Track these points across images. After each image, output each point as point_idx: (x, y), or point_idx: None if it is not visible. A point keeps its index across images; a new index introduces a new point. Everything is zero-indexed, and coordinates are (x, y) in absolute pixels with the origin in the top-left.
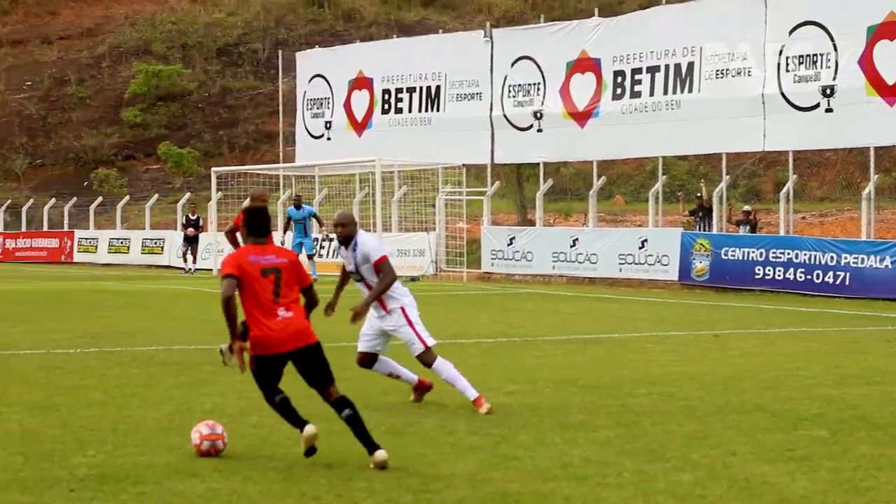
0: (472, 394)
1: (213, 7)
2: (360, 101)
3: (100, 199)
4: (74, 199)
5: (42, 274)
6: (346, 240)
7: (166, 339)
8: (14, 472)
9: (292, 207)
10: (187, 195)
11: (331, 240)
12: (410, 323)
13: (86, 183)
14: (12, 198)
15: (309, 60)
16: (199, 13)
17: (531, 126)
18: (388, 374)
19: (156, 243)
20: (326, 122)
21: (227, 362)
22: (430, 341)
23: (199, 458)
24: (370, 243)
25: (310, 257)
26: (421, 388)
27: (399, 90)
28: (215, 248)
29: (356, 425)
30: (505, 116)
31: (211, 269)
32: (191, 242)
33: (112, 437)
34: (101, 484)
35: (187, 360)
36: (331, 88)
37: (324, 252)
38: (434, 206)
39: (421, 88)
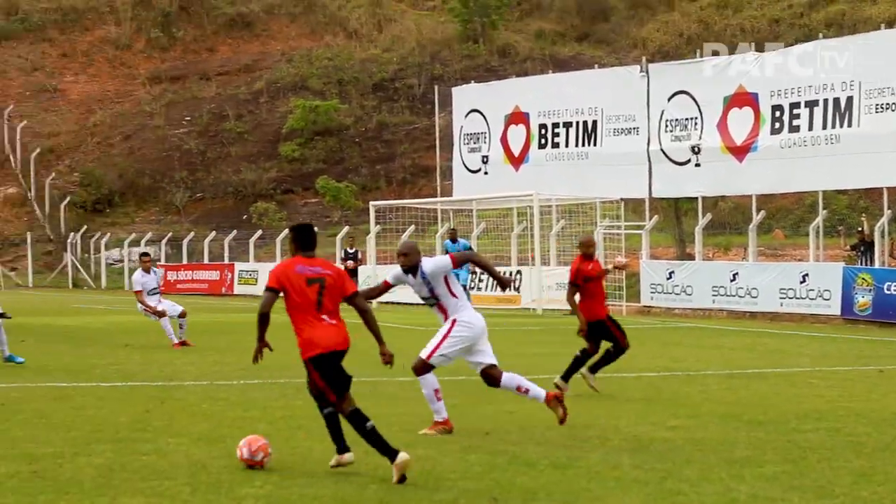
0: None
1: (368, 43)
2: (517, 135)
3: (259, 232)
4: (234, 231)
5: (204, 306)
6: (412, 269)
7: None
8: (182, 502)
9: (448, 241)
10: (346, 228)
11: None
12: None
13: (245, 216)
14: (173, 231)
15: (465, 95)
16: (354, 49)
17: (689, 160)
18: (434, 391)
19: None
20: (483, 157)
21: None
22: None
23: (365, 490)
24: (437, 261)
25: (464, 289)
26: (442, 427)
27: (556, 125)
28: (374, 281)
29: (372, 437)
30: (662, 151)
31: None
32: (350, 275)
33: (278, 469)
34: None
35: (355, 391)
36: (487, 123)
37: (482, 285)
38: None
39: (577, 123)
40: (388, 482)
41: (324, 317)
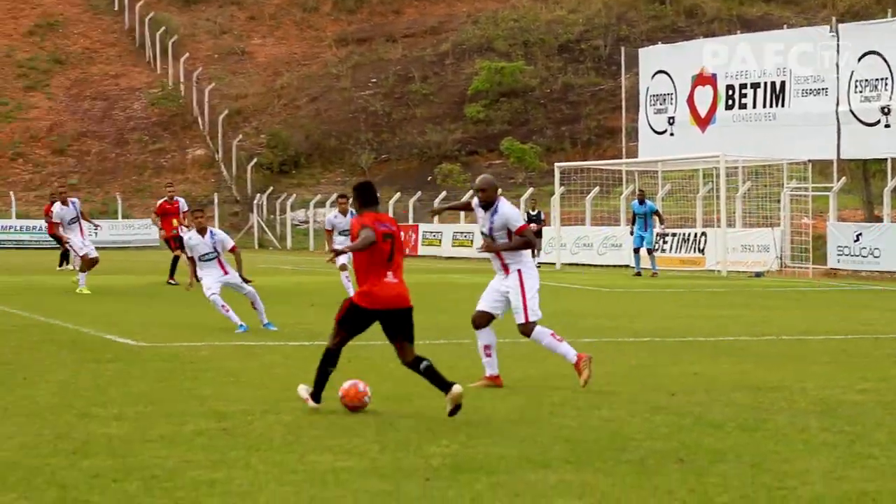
0: (573, 357)
1: (554, 4)
2: (704, 96)
3: (444, 193)
4: (419, 193)
5: None
6: (488, 204)
7: (514, 331)
8: (371, 461)
9: (636, 202)
10: (530, 190)
11: (669, 237)
12: (524, 291)
13: (429, 178)
14: None
15: (652, 56)
16: (540, 10)
17: (878, 121)
18: (484, 347)
19: None
20: (669, 118)
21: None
22: (534, 316)
23: (551, 450)
24: (512, 211)
25: (650, 251)
26: (491, 382)
27: (743, 85)
28: (557, 242)
29: (432, 375)
30: (851, 111)
31: (553, 263)
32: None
33: (464, 429)
34: (456, 473)
35: (534, 353)
36: (674, 84)
37: (667, 247)
38: (779, 201)
39: (765, 84)
40: (572, 442)
41: (389, 273)
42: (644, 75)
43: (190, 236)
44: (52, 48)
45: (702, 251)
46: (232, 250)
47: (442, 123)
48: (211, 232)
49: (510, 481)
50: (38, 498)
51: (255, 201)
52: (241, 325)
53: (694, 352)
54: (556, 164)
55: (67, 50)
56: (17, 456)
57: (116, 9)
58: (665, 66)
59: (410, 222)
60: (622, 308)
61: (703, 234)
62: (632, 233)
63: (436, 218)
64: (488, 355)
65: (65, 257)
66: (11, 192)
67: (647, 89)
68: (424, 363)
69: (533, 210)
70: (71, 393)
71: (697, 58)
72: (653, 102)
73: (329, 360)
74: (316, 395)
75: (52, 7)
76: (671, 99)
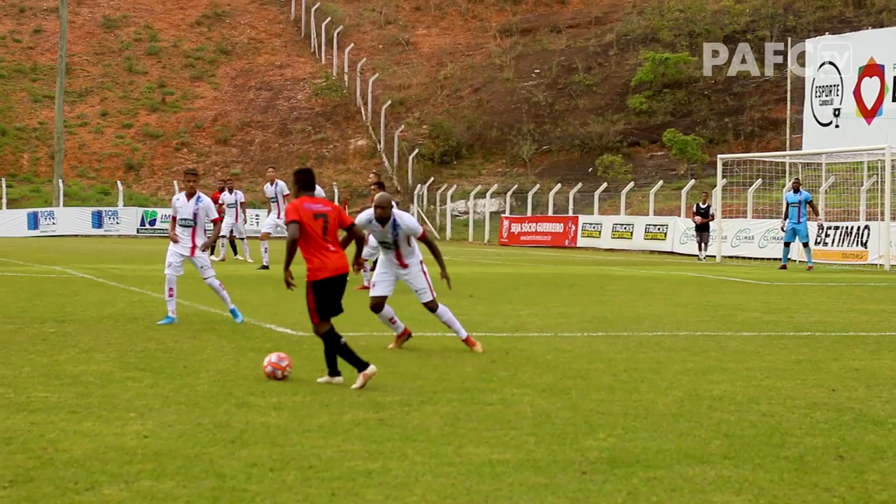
0: (463, 334)
1: None
2: (871, 88)
3: (604, 185)
4: (579, 184)
5: (547, 258)
6: (385, 220)
7: (672, 324)
8: (527, 453)
9: (790, 192)
10: (691, 182)
11: (831, 230)
12: (426, 275)
13: (590, 169)
14: (519, 182)
15: (818, 47)
16: (706, 1)
17: None
18: (389, 319)
19: (659, 229)
20: (835, 110)
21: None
22: (434, 294)
23: (709, 444)
24: (411, 221)
25: (805, 245)
26: (403, 336)
27: None
28: (719, 235)
29: (334, 351)
30: None
31: (714, 256)
32: (701, 230)
33: (622, 422)
34: (612, 467)
35: (694, 346)
36: (840, 75)
37: (829, 240)
38: None
39: None
40: (731, 437)
41: (329, 246)
42: (810, 66)
43: (178, 197)
44: (219, 38)
45: (864, 245)
46: (214, 221)
47: (604, 114)
48: (198, 197)
49: (667, 476)
50: (196, 486)
51: (416, 192)
52: (169, 318)
53: (855, 347)
54: (719, 156)
55: (233, 40)
56: (177, 444)
57: None
58: (832, 57)
59: (570, 213)
60: (782, 302)
61: (867, 227)
62: (783, 228)
63: (595, 208)
64: (393, 322)
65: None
66: (175, 182)
67: (813, 80)
68: (342, 339)
69: (703, 203)
70: (230, 382)
71: (865, 49)
72: (818, 94)
73: (334, 341)
74: (359, 365)
75: None
76: (837, 90)
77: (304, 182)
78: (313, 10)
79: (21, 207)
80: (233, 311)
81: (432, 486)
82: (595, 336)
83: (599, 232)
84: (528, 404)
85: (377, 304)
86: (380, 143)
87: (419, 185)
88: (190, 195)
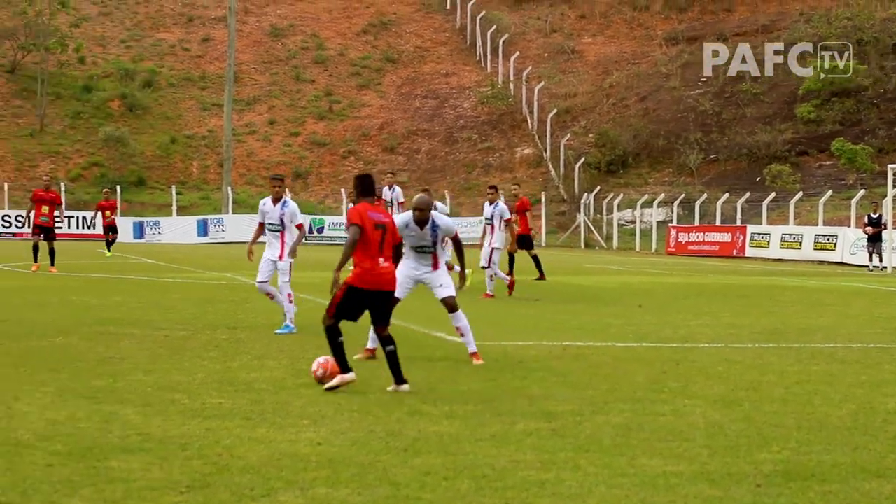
0: (472, 348)
1: (890, 2)
2: None
3: (772, 194)
4: (747, 194)
5: (715, 268)
6: (423, 221)
7: (844, 336)
8: (700, 465)
9: None
10: (861, 192)
11: None
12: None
13: (758, 178)
14: (686, 192)
15: None
16: (875, 8)
17: None
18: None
19: (828, 239)
20: None
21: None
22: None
23: (885, 459)
24: (449, 221)
25: None
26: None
27: None
28: (890, 245)
29: (392, 359)
30: None
31: (885, 267)
32: (873, 241)
33: (796, 434)
34: (787, 481)
35: (867, 358)
36: None
37: None
38: None
39: None
40: None
41: (381, 259)
42: None
43: (265, 202)
44: (385, 47)
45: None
46: (298, 226)
47: (772, 123)
48: (284, 202)
49: (843, 490)
50: (370, 494)
51: (582, 200)
52: (287, 327)
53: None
54: (889, 166)
55: (399, 48)
56: (350, 452)
57: (448, 7)
58: None
59: (738, 223)
60: None
61: None
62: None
63: (763, 218)
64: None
65: None
66: (342, 189)
67: None
68: (390, 347)
69: (875, 213)
70: (411, 391)
71: None
72: None
73: (333, 335)
74: (342, 368)
75: (385, 6)
76: None
77: (364, 187)
78: (479, 18)
79: (190, 214)
80: (287, 327)
81: (606, 497)
82: (766, 347)
83: (768, 242)
84: (700, 416)
85: (455, 306)
86: (546, 151)
87: (585, 194)
88: (276, 200)
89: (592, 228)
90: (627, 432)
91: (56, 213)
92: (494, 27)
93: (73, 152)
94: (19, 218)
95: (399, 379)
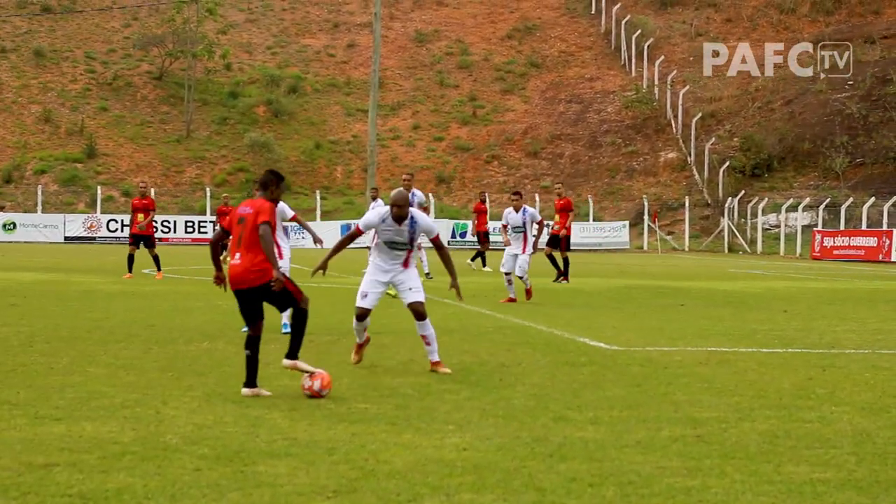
0: (435, 357)
1: None
2: None
3: None
4: (894, 198)
5: (861, 273)
6: (401, 218)
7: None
8: (848, 473)
9: None
10: None
11: None
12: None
13: None
14: (832, 196)
15: None
16: None
17: None
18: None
19: None
20: None
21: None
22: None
23: None
24: (429, 219)
25: None
26: (366, 344)
27: None
28: None
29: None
30: None
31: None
32: None
33: None
34: None
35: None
36: None
37: None
38: None
39: None
40: None
41: (237, 254)
42: None
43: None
44: (529, 52)
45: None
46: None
47: None
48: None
49: None
50: (516, 500)
51: (727, 205)
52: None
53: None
54: None
55: (544, 53)
56: (496, 457)
57: (593, 12)
58: None
59: (884, 228)
60: None
61: None
62: None
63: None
64: (364, 339)
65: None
66: (486, 193)
67: None
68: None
69: None
70: (546, 396)
71: None
72: None
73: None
74: (249, 381)
75: (529, 11)
76: None
77: (260, 183)
78: (623, 22)
79: (335, 219)
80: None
81: None
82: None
83: None
84: (847, 423)
85: (363, 315)
86: (690, 155)
87: (730, 198)
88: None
89: (736, 233)
90: (773, 439)
91: (149, 219)
92: (639, 31)
93: (218, 158)
94: (166, 223)
95: (250, 379)
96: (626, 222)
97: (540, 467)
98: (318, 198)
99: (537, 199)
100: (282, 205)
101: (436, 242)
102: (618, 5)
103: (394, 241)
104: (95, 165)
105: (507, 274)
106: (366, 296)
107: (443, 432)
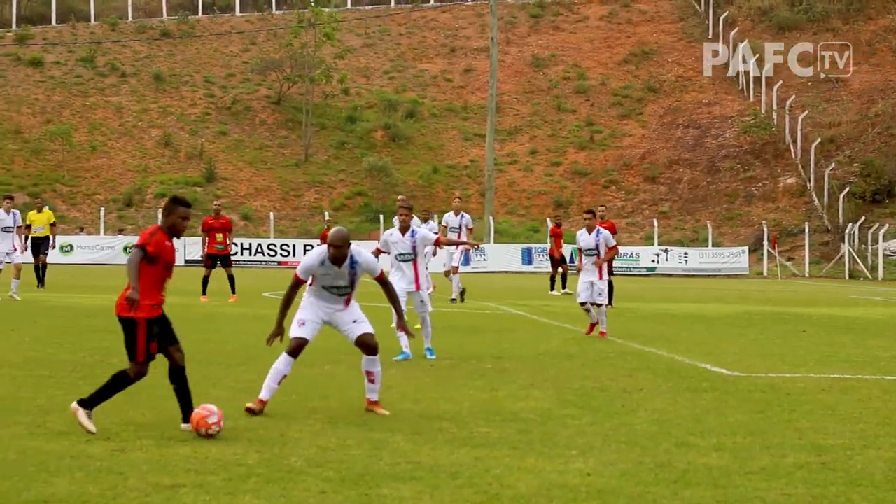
0: (374, 396)
1: None
2: None
3: None
4: None
5: None
6: (340, 259)
7: None
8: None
9: None
10: None
11: None
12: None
13: None
14: None
15: None
16: None
17: None
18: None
19: None
20: None
21: None
22: None
23: None
24: (370, 258)
25: None
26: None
27: None
28: None
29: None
30: None
31: None
32: None
33: None
34: None
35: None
36: None
37: None
38: None
39: None
40: None
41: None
42: None
43: (391, 232)
44: (646, 76)
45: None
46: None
47: None
48: (413, 231)
49: None
50: None
51: (847, 231)
52: (404, 353)
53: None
54: None
55: (661, 78)
56: (620, 483)
57: (710, 37)
58: None
59: None
60: None
61: None
62: None
63: None
64: (278, 384)
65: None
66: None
67: None
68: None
69: None
70: (668, 421)
71: None
72: None
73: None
74: (185, 415)
75: (646, 36)
76: None
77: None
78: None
79: None
80: (428, 350)
81: None
82: None
83: None
84: None
85: (299, 348)
86: (809, 181)
87: (850, 224)
88: (404, 229)
89: (857, 259)
90: None
91: (228, 239)
92: (757, 56)
93: (336, 182)
94: (285, 247)
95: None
96: (746, 248)
97: (664, 493)
98: (436, 223)
99: (655, 223)
100: (424, 232)
101: (380, 280)
102: (735, 30)
103: (335, 286)
104: (215, 189)
105: (582, 304)
106: (304, 324)
107: (566, 457)
